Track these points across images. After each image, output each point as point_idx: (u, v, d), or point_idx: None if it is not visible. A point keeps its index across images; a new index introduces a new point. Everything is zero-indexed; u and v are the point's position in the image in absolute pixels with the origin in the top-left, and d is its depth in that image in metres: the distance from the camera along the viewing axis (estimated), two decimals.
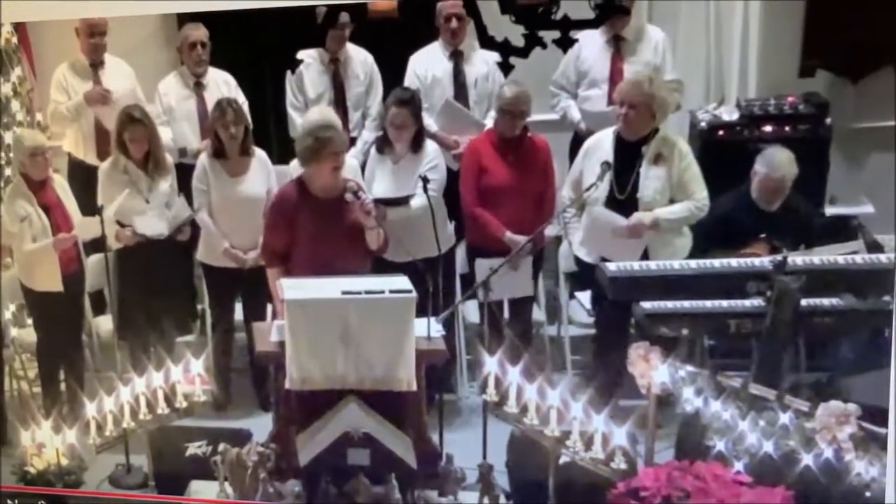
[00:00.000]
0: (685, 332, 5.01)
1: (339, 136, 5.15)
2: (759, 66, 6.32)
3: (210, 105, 5.84)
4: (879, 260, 5.06)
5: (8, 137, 6.14)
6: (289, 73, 6.07)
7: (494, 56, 5.63)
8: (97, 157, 6.07)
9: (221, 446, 4.97)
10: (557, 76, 6.09)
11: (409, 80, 5.99)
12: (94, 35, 6.05)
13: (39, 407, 5.55)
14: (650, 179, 5.36)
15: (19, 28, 6.26)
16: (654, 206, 5.36)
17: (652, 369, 4.78)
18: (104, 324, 6.04)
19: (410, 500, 4.86)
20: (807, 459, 4.51)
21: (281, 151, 6.01)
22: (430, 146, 5.64)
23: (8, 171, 6.14)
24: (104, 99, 6.03)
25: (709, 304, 5.05)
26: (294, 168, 5.47)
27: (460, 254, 5.83)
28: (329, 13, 5.79)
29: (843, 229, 5.81)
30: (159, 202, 5.72)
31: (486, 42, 5.25)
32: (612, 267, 5.10)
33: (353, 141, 5.92)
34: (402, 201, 5.49)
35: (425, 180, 5.41)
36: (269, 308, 5.62)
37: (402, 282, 4.93)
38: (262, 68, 6.34)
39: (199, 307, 6.17)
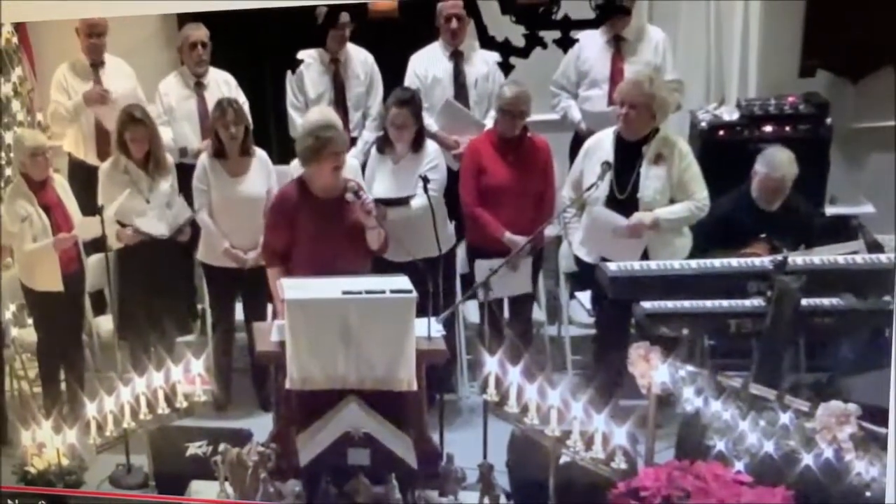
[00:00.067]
0: (685, 332, 5.01)
1: (339, 136, 5.15)
2: (759, 66, 6.32)
3: (210, 105, 5.84)
4: (879, 260, 5.06)
5: (8, 137, 6.14)
6: (289, 73, 6.07)
7: (494, 56, 5.63)
8: (97, 157, 6.07)
9: (222, 446, 4.97)
10: (558, 76, 6.09)
11: (409, 80, 5.99)
12: (92, 35, 6.05)
13: (40, 407, 5.55)
14: (650, 179, 5.36)
15: (20, 28, 6.26)
16: (655, 206, 5.36)
17: (652, 369, 4.79)
18: (104, 324, 6.04)
19: (411, 500, 4.86)
20: (807, 459, 4.51)
21: (281, 151, 6.01)
22: (431, 146, 5.64)
23: (8, 171, 6.14)
24: (103, 99, 6.03)
25: (709, 303, 5.05)
26: (295, 168, 5.47)
27: (461, 254, 5.83)
28: (329, 13, 5.79)
29: (843, 229, 5.81)
30: (160, 202, 5.72)
31: (487, 42, 5.26)
32: (612, 267, 5.10)
33: (353, 141, 5.92)
34: (403, 201, 5.49)
35: (426, 180, 5.41)
36: (270, 308, 5.62)
37: (403, 282, 4.94)
38: (263, 68, 6.34)
39: (199, 307, 6.17)
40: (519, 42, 4.98)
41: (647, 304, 5.07)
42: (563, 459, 4.78)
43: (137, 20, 6.14)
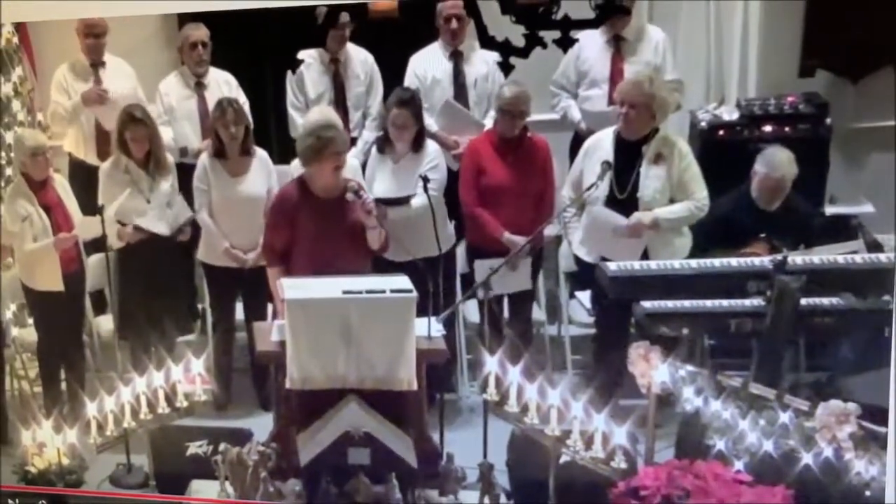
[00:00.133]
0: (685, 331, 5.01)
1: (340, 135, 5.16)
2: (759, 66, 6.33)
3: (211, 105, 5.84)
4: (879, 260, 5.06)
5: (9, 137, 6.15)
6: (289, 73, 6.07)
7: (494, 56, 5.63)
8: (98, 157, 6.08)
9: (222, 446, 4.97)
10: (558, 76, 6.09)
11: (409, 81, 5.99)
12: (91, 35, 6.05)
13: (40, 406, 5.56)
14: (650, 179, 5.37)
15: (20, 28, 6.26)
16: (654, 205, 5.36)
17: (652, 369, 4.79)
18: (105, 323, 6.05)
19: (411, 500, 4.86)
20: (807, 458, 4.51)
21: (281, 151, 6.01)
22: (431, 146, 5.64)
23: (9, 171, 6.15)
24: (101, 99, 6.04)
25: (709, 303, 5.05)
26: (295, 168, 5.48)
27: (461, 253, 5.83)
28: (329, 13, 5.79)
29: (843, 229, 5.81)
30: (160, 202, 5.73)
31: (487, 42, 5.25)
32: (612, 266, 5.11)
33: (353, 141, 5.92)
34: (403, 201, 5.49)
35: (426, 180, 5.42)
36: (270, 308, 5.62)
37: (403, 281, 4.94)
38: (263, 68, 6.34)
39: (199, 307, 6.17)
40: (519, 42, 4.97)
41: (647, 304, 5.07)
42: (563, 459, 4.78)
43: (138, 20, 6.15)
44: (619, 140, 5.41)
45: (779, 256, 4.96)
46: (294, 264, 5.19)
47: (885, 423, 4.35)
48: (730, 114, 6.12)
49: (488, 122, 5.82)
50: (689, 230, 5.48)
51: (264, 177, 5.73)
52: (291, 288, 4.92)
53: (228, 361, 5.92)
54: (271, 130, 6.28)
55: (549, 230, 5.71)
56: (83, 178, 6.00)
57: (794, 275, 4.88)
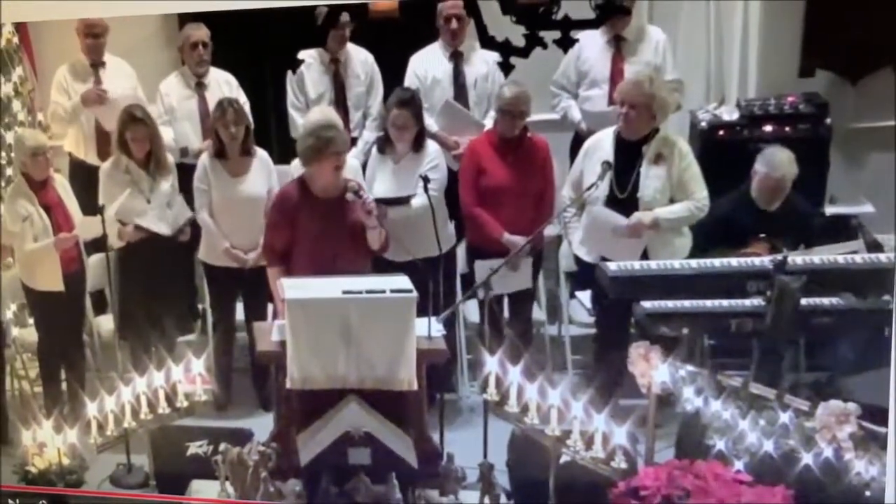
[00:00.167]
0: (685, 331, 5.01)
1: (340, 135, 5.16)
2: (759, 66, 6.33)
3: (211, 105, 5.84)
4: (879, 260, 5.06)
5: (9, 137, 6.15)
6: (289, 73, 6.07)
7: (494, 56, 5.62)
8: (98, 157, 6.08)
9: (222, 446, 4.97)
10: (558, 76, 6.10)
11: (409, 81, 5.99)
12: (90, 35, 6.05)
13: (41, 406, 5.56)
14: (650, 179, 5.37)
15: (20, 28, 6.26)
16: (655, 205, 5.36)
17: (652, 369, 4.79)
18: (105, 323, 6.05)
19: (411, 500, 4.86)
20: (807, 459, 4.51)
21: (282, 151, 6.01)
22: (432, 146, 5.65)
23: (9, 171, 6.15)
24: (100, 99, 6.04)
25: (709, 303, 5.05)
26: (295, 168, 5.48)
27: (461, 253, 5.83)
28: (330, 13, 5.79)
29: (843, 229, 5.82)
30: (161, 202, 5.73)
31: (487, 42, 5.25)
32: (612, 266, 5.11)
33: (353, 141, 5.92)
34: (403, 201, 5.49)
35: (426, 180, 5.42)
36: (270, 308, 5.62)
37: (403, 281, 4.94)
38: (263, 68, 6.35)
39: (200, 307, 6.17)
40: (519, 42, 4.97)
41: (647, 304, 5.07)
42: (564, 459, 4.79)
43: (138, 20, 6.15)
44: (620, 140, 5.41)
45: (779, 256, 4.96)
46: (294, 264, 5.19)
47: (884, 423, 4.35)
48: (730, 114, 6.13)
49: (488, 123, 5.82)
50: (689, 230, 5.48)
51: (265, 177, 5.73)
52: (291, 288, 4.92)
53: (229, 361, 5.93)
54: (272, 130, 6.28)
55: (549, 230, 5.71)
56: (83, 178, 6.00)
57: (794, 275, 4.88)
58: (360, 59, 6.11)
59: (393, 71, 6.09)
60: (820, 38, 6.25)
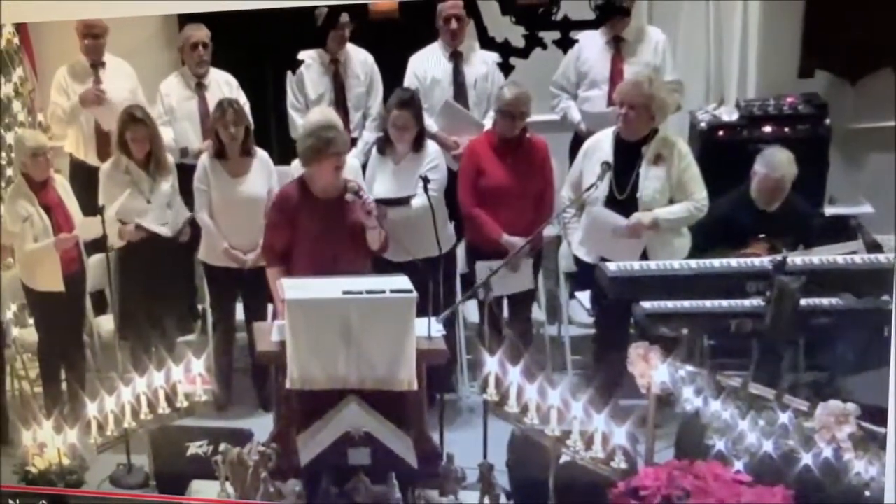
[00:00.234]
0: (685, 331, 5.01)
1: (340, 136, 5.16)
2: (758, 67, 6.33)
3: (211, 105, 5.85)
4: (879, 260, 5.07)
5: (9, 138, 6.15)
6: (289, 73, 6.08)
7: (493, 56, 5.63)
8: (98, 157, 6.08)
9: (222, 446, 4.97)
10: (557, 77, 6.10)
11: (409, 81, 6.00)
12: (89, 36, 6.05)
13: (41, 407, 5.56)
14: (650, 180, 5.37)
15: (21, 28, 6.27)
16: (654, 206, 5.37)
17: (652, 369, 4.79)
18: (105, 324, 6.05)
19: (411, 500, 4.86)
20: (806, 459, 4.52)
21: (282, 152, 6.01)
22: (432, 146, 5.65)
23: (9, 172, 6.15)
24: (99, 99, 6.04)
25: (709, 303, 5.06)
26: (295, 168, 5.48)
27: (461, 254, 5.83)
28: (329, 14, 5.80)
29: (842, 229, 5.83)
30: (161, 202, 5.73)
31: (487, 43, 5.26)
32: (612, 267, 5.11)
33: (353, 141, 5.92)
34: (403, 201, 5.49)
35: (426, 180, 5.42)
36: (270, 308, 5.63)
37: (403, 281, 4.94)
38: (263, 69, 6.35)
39: (199, 307, 6.17)
40: (519, 43, 4.98)
41: (646, 304, 5.07)
42: (563, 459, 4.79)
43: (138, 21, 6.15)
44: (619, 141, 5.41)
45: (778, 257, 4.96)
46: (294, 264, 5.19)
47: (884, 423, 4.35)
48: (729, 114, 6.13)
49: (488, 123, 5.82)
50: (688, 230, 5.48)
51: (265, 177, 5.73)
52: (291, 288, 4.92)
53: (229, 361, 5.93)
54: (271, 131, 6.29)
55: (549, 231, 5.71)
56: (84, 179, 6.01)
57: (794, 275, 4.88)
58: (359, 60, 6.12)
59: (393, 71, 6.09)
60: (819, 39, 6.25)
